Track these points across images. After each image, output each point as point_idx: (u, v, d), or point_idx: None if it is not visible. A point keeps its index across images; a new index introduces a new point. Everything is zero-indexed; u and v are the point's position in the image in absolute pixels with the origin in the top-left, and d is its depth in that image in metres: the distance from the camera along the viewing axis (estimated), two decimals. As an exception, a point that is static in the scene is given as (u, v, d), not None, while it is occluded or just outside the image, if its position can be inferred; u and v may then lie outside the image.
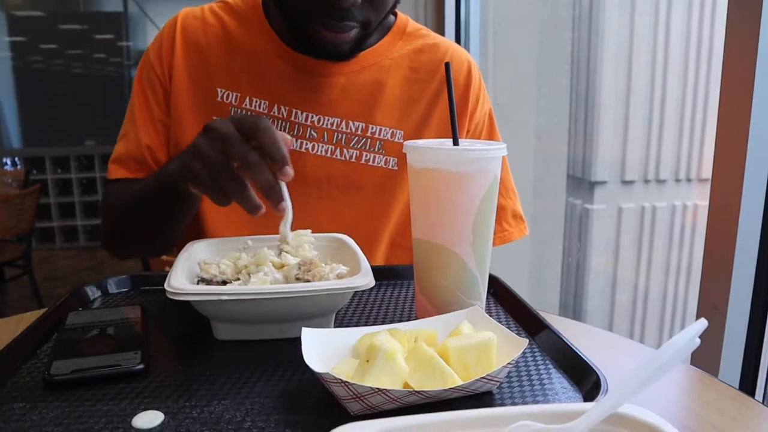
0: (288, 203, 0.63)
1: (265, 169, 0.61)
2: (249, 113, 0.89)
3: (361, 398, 0.44)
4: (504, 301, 0.70)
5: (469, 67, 0.96)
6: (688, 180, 2.57)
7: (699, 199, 2.57)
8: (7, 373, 0.56)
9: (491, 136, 1.00)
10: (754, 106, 0.81)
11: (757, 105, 0.81)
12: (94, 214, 5.66)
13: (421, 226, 0.61)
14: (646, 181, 2.59)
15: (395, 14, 0.96)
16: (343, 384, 0.43)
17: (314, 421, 0.46)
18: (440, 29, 1.98)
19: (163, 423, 0.47)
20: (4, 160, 5.93)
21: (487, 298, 0.66)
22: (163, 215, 0.81)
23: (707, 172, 1.60)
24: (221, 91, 0.90)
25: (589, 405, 0.35)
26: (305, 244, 0.67)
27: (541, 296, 2.22)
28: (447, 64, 0.62)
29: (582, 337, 0.65)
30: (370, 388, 0.43)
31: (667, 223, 2.57)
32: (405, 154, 0.62)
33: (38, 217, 3.66)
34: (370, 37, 0.87)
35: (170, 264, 1.35)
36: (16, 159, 5.94)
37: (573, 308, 2.51)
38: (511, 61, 2.04)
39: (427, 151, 0.60)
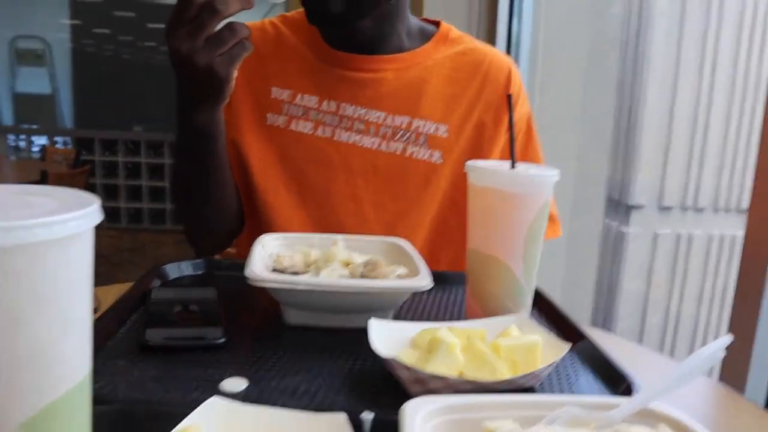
0: None
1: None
2: (301, 108, 0.98)
3: (422, 382, 0.50)
4: (546, 312, 0.77)
5: (508, 72, 1.02)
6: (727, 211, 2.57)
7: (737, 230, 2.56)
8: (107, 335, 0.64)
9: (528, 140, 1.05)
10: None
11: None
12: (137, 198, 5.84)
13: (476, 238, 0.68)
14: (684, 209, 2.58)
15: (438, 25, 1.05)
16: (407, 369, 0.50)
17: (379, 398, 0.53)
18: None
19: (247, 389, 0.54)
20: (56, 139, 6.17)
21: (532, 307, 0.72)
22: (195, 161, 0.91)
23: (747, 203, 1.62)
24: (275, 90, 0.99)
25: (623, 399, 0.41)
26: None
27: (572, 314, 2.25)
28: (509, 96, 0.70)
29: (615, 348, 0.70)
30: (432, 374, 0.50)
31: (702, 252, 2.56)
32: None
33: (85, 196, 3.81)
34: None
35: (225, 257, 1.44)
36: (67, 139, 6.17)
37: (603, 328, 2.53)
38: (557, 81, 2.08)
39: (487, 172, 0.67)
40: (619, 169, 2.59)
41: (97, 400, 0.45)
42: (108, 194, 5.84)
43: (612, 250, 2.59)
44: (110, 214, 5.84)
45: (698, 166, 2.49)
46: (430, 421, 0.40)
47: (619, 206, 2.61)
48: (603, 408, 0.41)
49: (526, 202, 0.65)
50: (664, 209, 2.56)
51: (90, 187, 5.44)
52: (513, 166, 0.68)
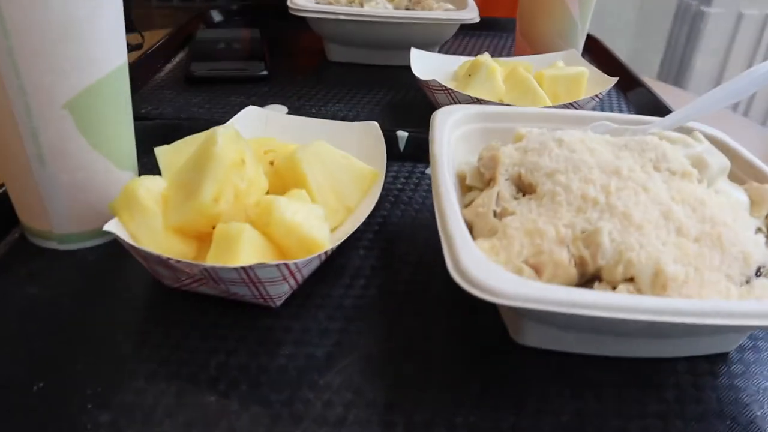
0: None
1: None
2: None
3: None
4: (598, 56, 0.73)
5: None
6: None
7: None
8: (154, 70, 0.66)
9: None
10: None
11: None
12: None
13: (532, -32, 0.62)
14: (780, -15, 2.31)
15: None
16: (446, 91, 0.49)
17: (417, 123, 0.53)
18: None
19: (288, 113, 0.56)
20: None
21: (583, 53, 0.68)
22: None
23: None
24: None
25: (658, 118, 0.40)
26: None
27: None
28: None
29: (671, 97, 0.68)
30: (470, 96, 0.49)
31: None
32: None
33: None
34: None
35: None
36: None
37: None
38: None
39: None
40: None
41: (143, 117, 0.47)
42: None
43: (687, 29, 2.40)
44: (164, -11, 5.69)
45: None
46: (460, 127, 0.40)
47: (703, -19, 2.36)
48: (637, 124, 0.39)
49: (591, -74, 0.58)
50: (756, -15, 2.30)
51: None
52: None
